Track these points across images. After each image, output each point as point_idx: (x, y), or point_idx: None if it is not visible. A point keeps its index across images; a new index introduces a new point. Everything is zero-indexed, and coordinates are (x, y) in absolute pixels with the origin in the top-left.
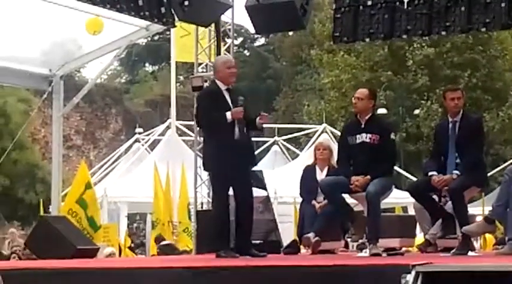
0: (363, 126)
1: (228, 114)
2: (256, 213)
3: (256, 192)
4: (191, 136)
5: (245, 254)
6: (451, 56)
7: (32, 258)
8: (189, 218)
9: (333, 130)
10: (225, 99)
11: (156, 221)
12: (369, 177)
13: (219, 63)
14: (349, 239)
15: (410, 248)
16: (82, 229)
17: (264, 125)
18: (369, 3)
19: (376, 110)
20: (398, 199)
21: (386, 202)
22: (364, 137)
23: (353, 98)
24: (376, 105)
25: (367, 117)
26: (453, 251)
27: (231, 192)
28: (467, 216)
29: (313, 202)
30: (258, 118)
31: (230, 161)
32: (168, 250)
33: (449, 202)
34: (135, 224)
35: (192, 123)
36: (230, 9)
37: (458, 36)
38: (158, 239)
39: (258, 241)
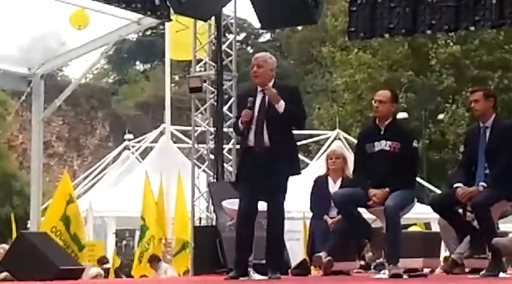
0: (382, 132)
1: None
2: (260, 229)
3: (261, 206)
4: (187, 143)
5: (263, 274)
6: (479, 54)
7: (9, 280)
8: None
9: (347, 136)
10: (254, 101)
11: (151, 238)
12: (387, 189)
13: None
14: (367, 259)
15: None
16: (66, 248)
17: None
18: None
19: (396, 114)
20: (421, 214)
21: (408, 217)
22: (383, 145)
23: (373, 101)
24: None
25: (387, 123)
26: (482, 272)
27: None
28: (495, 233)
29: (325, 217)
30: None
31: (244, 171)
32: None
33: None
34: (124, 242)
35: (189, 128)
36: (232, 1)
37: (487, 32)
38: (154, 259)
39: (262, 261)
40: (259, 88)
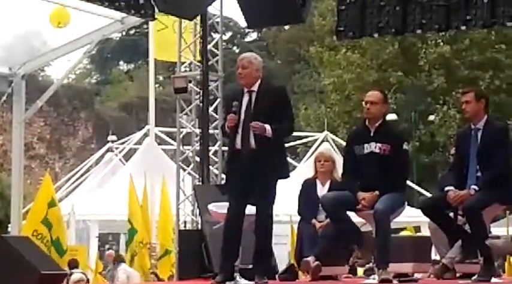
0: (372, 134)
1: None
2: (246, 234)
3: (249, 210)
4: (172, 145)
5: (250, 279)
6: (470, 54)
7: None
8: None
9: (335, 138)
10: (240, 103)
11: (141, 242)
12: (377, 192)
13: None
14: (356, 264)
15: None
16: (48, 252)
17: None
18: None
19: (386, 116)
20: (411, 217)
21: (397, 221)
22: (373, 147)
23: (363, 102)
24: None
25: (377, 124)
26: (474, 277)
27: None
28: (487, 238)
29: (314, 221)
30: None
31: (232, 175)
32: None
33: None
34: (107, 246)
35: (174, 130)
36: (218, 0)
37: (478, 31)
38: (116, 259)
39: (249, 266)
40: (245, 90)
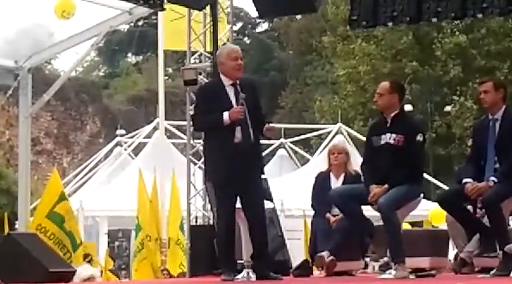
0: (388, 125)
1: (226, 115)
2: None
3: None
4: (183, 138)
5: (261, 276)
6: (487, 43)
7: None
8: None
9: (350, 130)
10: (227, 96)
11: (145, 239)
12: (386, 185)
13: (223, 54)
14: (367, 259)
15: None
16: (59, 247)
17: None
18: None
19: (403, 106)
20: (427, 211)
21: (414, 214)
22: (388, 138)
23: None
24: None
25: (392, 115)
26: (493, 272)
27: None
28: (506, 231)
29: (328, 215)
30: (265, 128)
31: (231, 169)
32: None
33: None
34: (116, 243)
35: (184, 123)
36: None
37: (495, 20)
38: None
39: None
40: (227, 83)
